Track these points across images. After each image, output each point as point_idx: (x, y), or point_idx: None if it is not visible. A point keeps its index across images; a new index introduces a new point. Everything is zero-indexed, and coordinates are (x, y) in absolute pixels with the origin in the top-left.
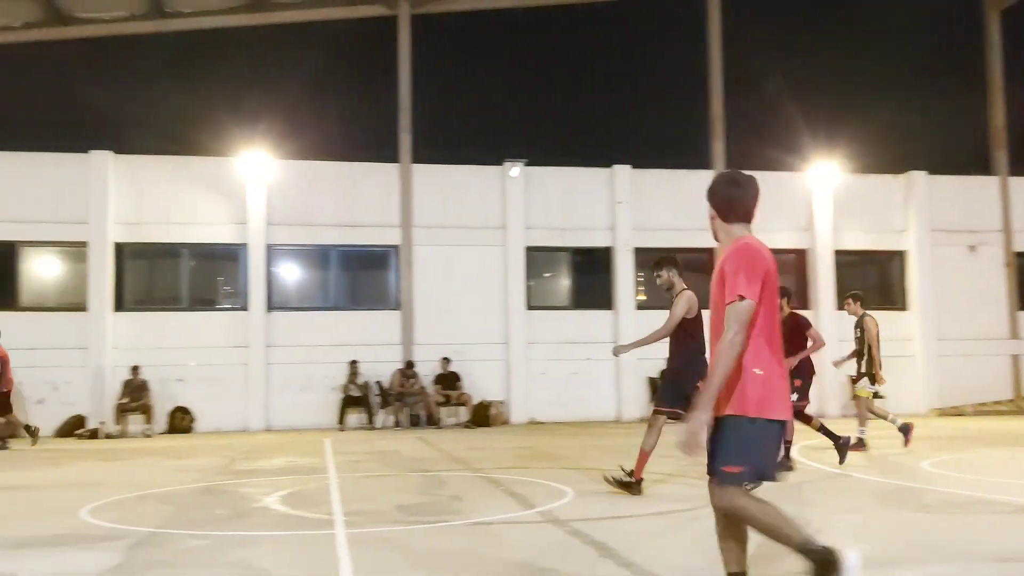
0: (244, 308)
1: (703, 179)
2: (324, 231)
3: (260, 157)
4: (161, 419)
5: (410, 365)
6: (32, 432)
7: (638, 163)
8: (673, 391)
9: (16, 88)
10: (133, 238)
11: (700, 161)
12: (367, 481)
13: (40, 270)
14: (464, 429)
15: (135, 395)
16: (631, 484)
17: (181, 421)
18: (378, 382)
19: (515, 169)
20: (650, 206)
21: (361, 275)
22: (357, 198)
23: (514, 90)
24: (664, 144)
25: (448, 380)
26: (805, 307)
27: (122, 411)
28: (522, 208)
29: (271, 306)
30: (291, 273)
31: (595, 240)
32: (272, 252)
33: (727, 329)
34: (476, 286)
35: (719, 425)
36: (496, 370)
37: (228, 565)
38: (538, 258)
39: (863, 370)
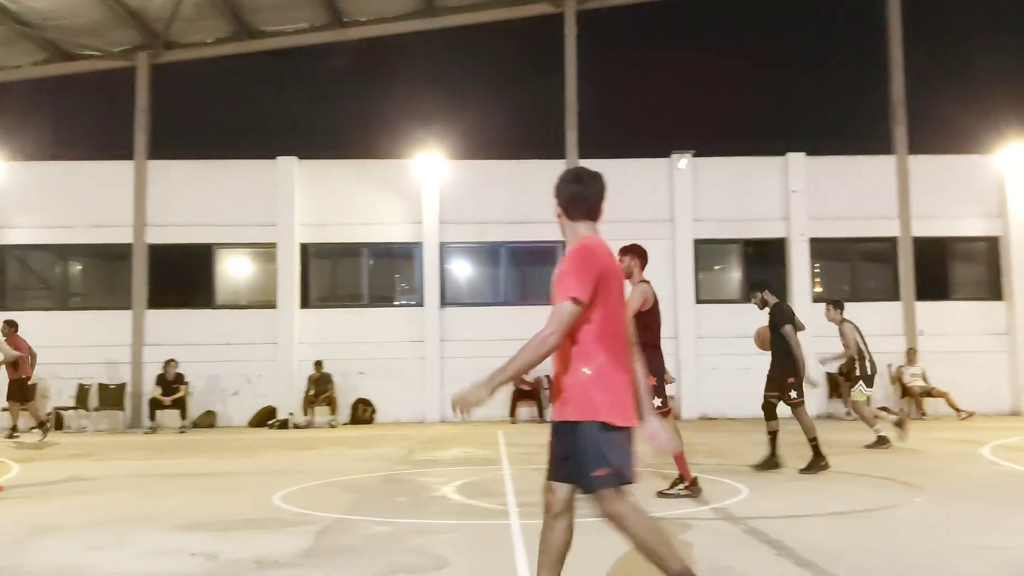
0: (420, 304)
1: (884, 166)
2: (494, 228)
3: (433, 158)
4: (344, 410)
5: None
6: (45, 428)
7: (813, 150)
8: None
9: (209, 100)
10: (317, 239)
11: (880, 147)
12: (539, 473)
13: (233, 270)
14: None
15: (320, 388)
16: (691, 485)
17: (363, 412)
18: (547, 376)
19: (683, 161)
20: (827, 194)
21: (530, 271)
22: (526, 195)
23: (680, 81)
24: (841, 130)
25: None
26: (998, 298)
27: (309, 403)
28: (691, 200)
29: (444, 302)
30: (463, 270)
31: (767, 231)
32: (445, 250)
33: (545, 326)
34: None
35: (572, 433)
36: (666, 365)
37: (410, 551)
38: (707, 250)
39: (858, 374)
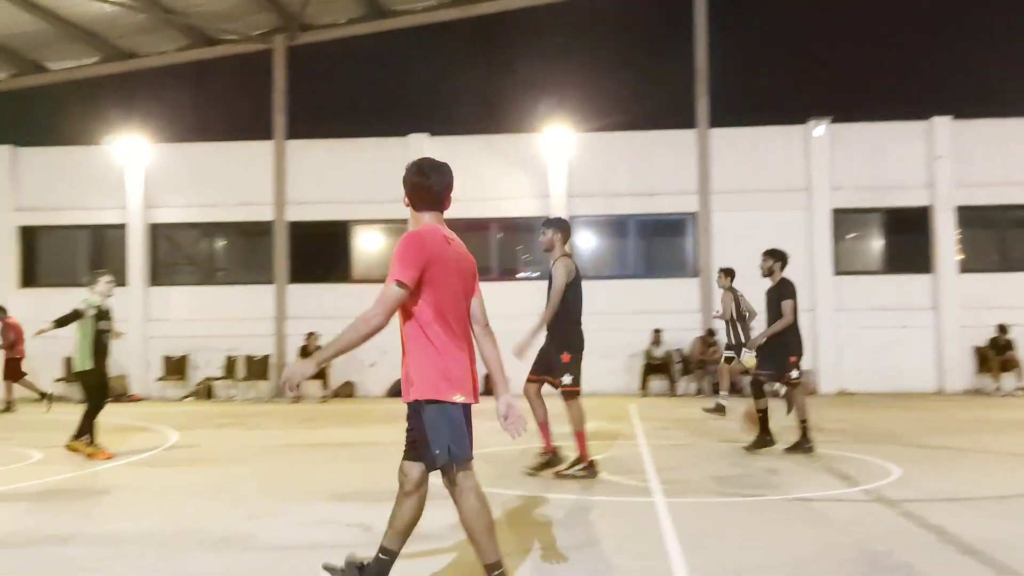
0: (544, 277)
1: None
2: (621, 201)
3: (560, 132)
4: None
5: (711, 333)
6: (48, 397)
7: (960, 113)
8: (543, 359)
9: (343, 80)
10: (447, 214)
11: None
12: (677, 449)
13: (368, 246)
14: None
15: None
16: (587, 467)
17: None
18: (679, 350)
19: (820, 128)
20: (974, 160)
21: (658, 243)
22: (653, 167)
23: (815, 45)
24: (990, 92)
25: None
26: None
27: None
28: (827, 168)
29: None
30: (590, 243)
31: (910, 199)
32: (573, 223)
33: (371, 306)
34: None
35: (415, 413)
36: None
37: (557, 526)
38: (846, 220)
39: (733, 341)
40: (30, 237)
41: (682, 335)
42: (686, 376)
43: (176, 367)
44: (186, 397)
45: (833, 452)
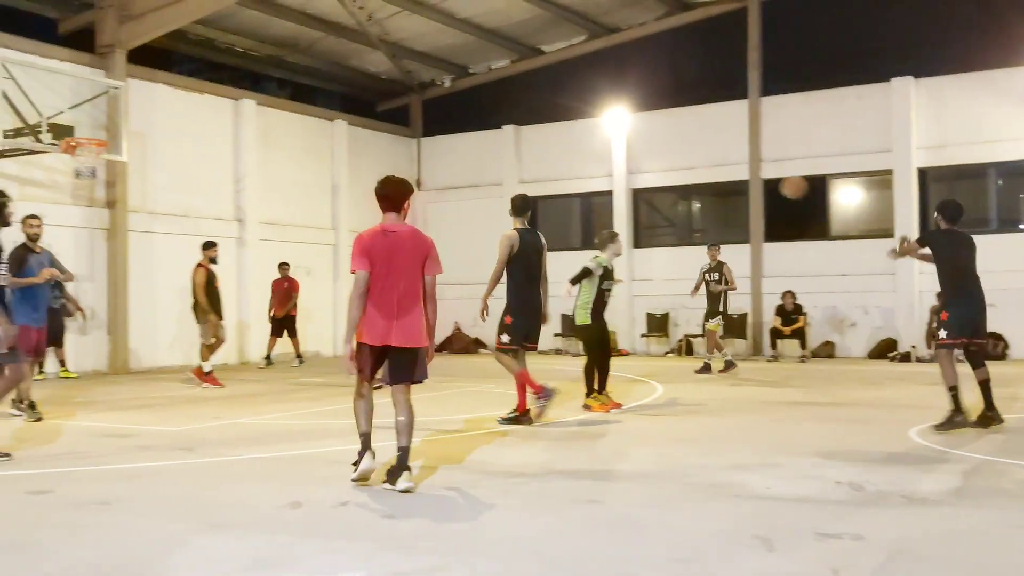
0: None
1: None
2: None
3: None
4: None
5: None
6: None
7: None
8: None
9: (817, 29)
10: (936, 162)
11: None
12: None
13: (847, 200)
14: None
15: None
16: (518, 418)
17: (993, 348)
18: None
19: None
20: None
21: None
22: None
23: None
24: None
25: None
26: None
27: (932, 336)
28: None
29: None
30: None
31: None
32: None
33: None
34: None
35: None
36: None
37: None
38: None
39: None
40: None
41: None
42: None
43: (658, 324)
44: (668, 353)
45: None
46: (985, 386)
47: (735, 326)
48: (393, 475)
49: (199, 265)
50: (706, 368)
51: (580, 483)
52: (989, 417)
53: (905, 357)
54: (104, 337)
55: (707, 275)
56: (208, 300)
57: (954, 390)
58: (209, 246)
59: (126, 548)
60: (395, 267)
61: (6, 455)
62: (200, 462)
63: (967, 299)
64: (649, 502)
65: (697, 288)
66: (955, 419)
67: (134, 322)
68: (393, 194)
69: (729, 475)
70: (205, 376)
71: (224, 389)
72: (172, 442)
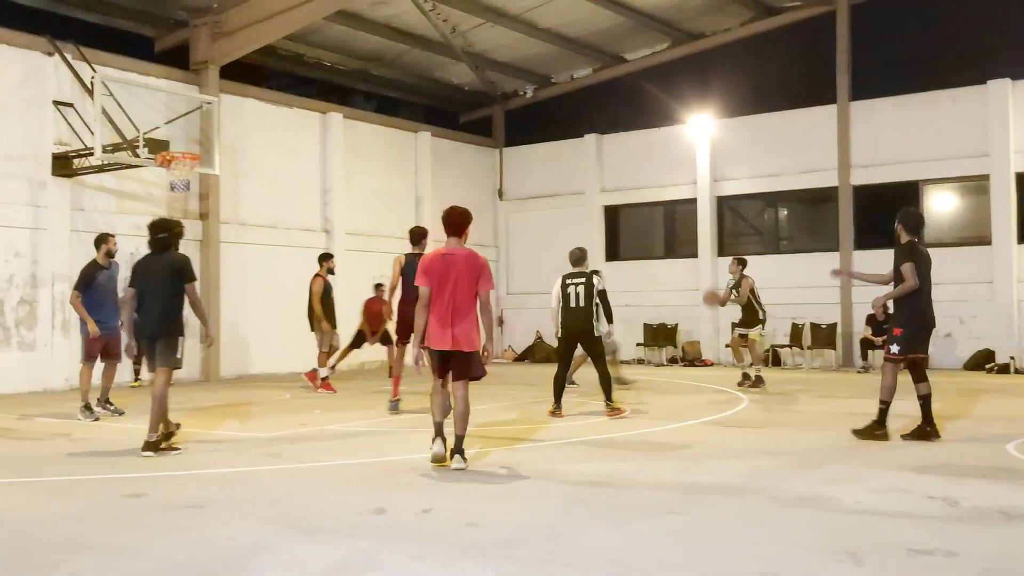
0: None
1: None
2: None
3: None
4: None
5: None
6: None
7: None
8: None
9: (909, 32)
10: None
11: None
12: None
13: (941, 206)
14: None
15: None
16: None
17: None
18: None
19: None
20: None
21: None
22: None
23: None
24: None
25: None
26: None
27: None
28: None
29: None
30: None
31: None
32: None
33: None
34: None
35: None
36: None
37: None
38: None
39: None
40: (612, 215)
41: None
42: None
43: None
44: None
45: None
46: (926, 401)
47: (825, 336)
48: (450, 456)
49: (317, 275)
50: (759, 380)
51: (663, 494)
52: (927, 431)
53: (1003, 368)
54: (197, 346)
55: (732, 291)
56: (323, 309)
57: (886, 404)
58: (327, 258)
59: (215, 550)
60: (450, 284)
61: (176, 448)
62: (288, 467)
63: (922, 316)
64: (734, 514)
65: (724, 302)
66: (876, 431)
67: (225, 331)
68: (456, 221)
69: (817, 488)
70: (321, 382)
71: (336, 395)
72: (261, 448)
